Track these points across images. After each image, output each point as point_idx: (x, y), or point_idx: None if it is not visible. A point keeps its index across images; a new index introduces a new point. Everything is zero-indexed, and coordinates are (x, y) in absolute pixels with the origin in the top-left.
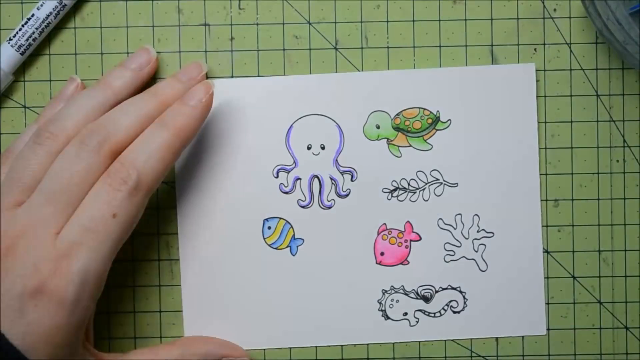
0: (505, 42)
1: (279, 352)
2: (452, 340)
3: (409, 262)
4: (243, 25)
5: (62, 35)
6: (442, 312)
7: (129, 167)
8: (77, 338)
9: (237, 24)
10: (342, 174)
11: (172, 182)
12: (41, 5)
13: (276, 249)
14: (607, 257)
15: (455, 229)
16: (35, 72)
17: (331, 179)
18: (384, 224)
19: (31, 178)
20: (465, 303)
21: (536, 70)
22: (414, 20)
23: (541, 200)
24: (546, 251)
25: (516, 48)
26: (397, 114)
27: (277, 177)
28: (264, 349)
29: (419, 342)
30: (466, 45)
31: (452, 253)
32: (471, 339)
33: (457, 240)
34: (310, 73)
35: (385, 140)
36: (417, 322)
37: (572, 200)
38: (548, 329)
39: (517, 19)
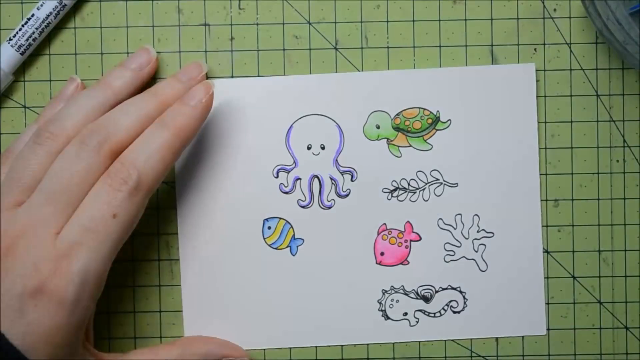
0: (505, 42)
1: (278, 352)
2: (452, 340)
3: (409, 262)
4: (243, 25)
5: (62, 35)
6: (442, 312)
7: (129, 167)
8: (77, 338)
9: (237, 24)
10: (342, 174)
11: (172, 182)
12: (41, 5)
13: (276, 249)
14: (607, 257)
15: (455, 229)
16: (35, 72)
17: (331, 179)
18: (384, 224)
19: (31, 178)
20: (465, 303)
21: (536, 70)
22: (414, 20)
23: (541, 200)
24: (546, 251)
25: (516, 48)
26: (397, 114)
27: (277, 177)
28: (264, 349)
29: (419, 342)
30: (466, 45)
31: (452, 253)
32: (471, 339)
33: (457, 240)
34: (310, 73)
35: (385, 140)
36: (417, 322)
37: (572, 200)
38: (548, 329)
39: (517, 19)
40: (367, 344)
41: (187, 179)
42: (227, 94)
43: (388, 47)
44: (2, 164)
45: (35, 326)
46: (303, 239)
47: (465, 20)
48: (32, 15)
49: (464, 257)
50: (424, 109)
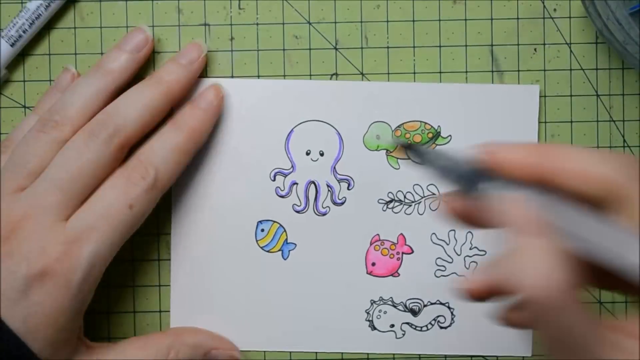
0: (505, 42)
1: (258, 354)
2: (438, 355)
3: (399, 274)
4: (243, 25)
5: (62, 35)
6: (429, 326)
7: (147, 164)
8: (78, 322)
9: (237, 24)
10: (339, 182)
11: None
12: None
13: (268, 251)
14: None
15: (448, 244)
16: (35, 72)
17: (328, 185)
18: (377, 234)
19: (35, 164)
20: (452, 319)
21: (536, 71)
22: (414, 20)
23: None
24: None
25: (516, 48)
26: (398, 126)
27: (274, 180)
28: (247, 350)
29: (404, 355)
30: (466, 45)
31: (443, 268)
32: (457, 355)
33: (449, 256)
34: (311, 73)
35: (385, 151)
36: (404, 334)
37: None
38: (533, 354)
39: (517, 19)
40: (352, 353)
41: (185, 178)
42: (227, 95)
43: (388, 47)
44: (2, 153)
45: (39, 308)
46: (295, 244)
47: (465, 20)
48: (24, 7)
49: (454, 273)
50: (426, 123)
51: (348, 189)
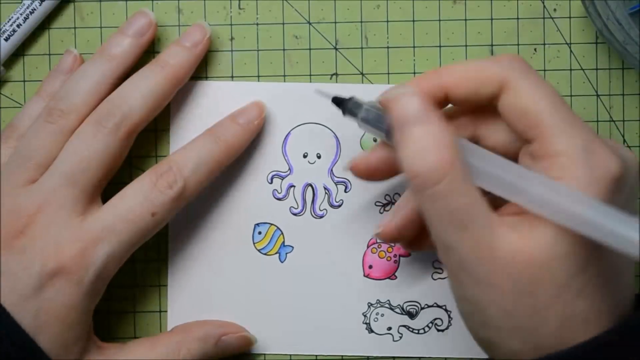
0: (505, 42)
1: (255, 357)
2: (435, 357)
3: (396, 277)
4: (243, 25)
5: (62, 35)
6: (427, 329)
7: (176, 172)
8: (88, 320)
9: (237, 24)
10: (336, 185)
11: None
12: None
13: (265, 254)
14: None
15: None
16: (35, 72)
17: (325, 188)
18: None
19: (44, 156)
20: (450, 322)
21: (536, 71)
22: (414, 20)
23: None
24: None
25: (516, 48)
26: None
27: (272, 182)
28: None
29: (402, 357)
30: (466, 45)
31: (440, 271)
32: (454, 357)
33: None
34: (310, 73)
35: None
36: (401, 337)
37: None
38: None
39: (517, 19)
40: (350, 356)
41: None
42: (226, 97)
43: (388, 47)
44: (4, 140)
45: (50, 304)
46: (292, 247)
47: (465, 20)
48: (21, 3)
49: None
50: None
51: (345, 191)
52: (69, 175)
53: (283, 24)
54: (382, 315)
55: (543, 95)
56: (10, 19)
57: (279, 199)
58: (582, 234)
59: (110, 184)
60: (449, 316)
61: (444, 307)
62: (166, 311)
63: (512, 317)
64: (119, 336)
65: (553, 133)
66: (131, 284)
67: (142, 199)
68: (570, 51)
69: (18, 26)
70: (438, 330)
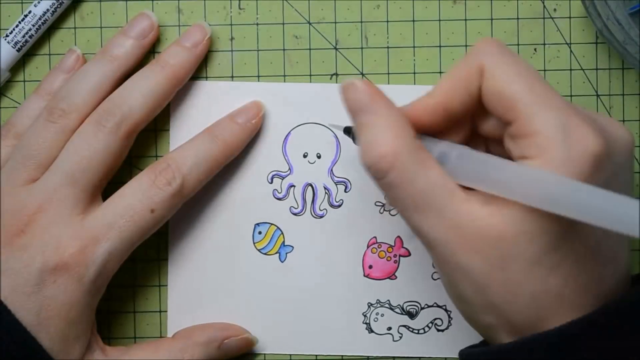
0: (505, 42)
1: (255, 357)
2: (435, 357)
3: (396, 277)
4: (243, 25)
5: (62, 35)
6: (427, 329)
7: (175, 170)
8: (89, 318)
9: (237, 24)
10: (336, 184)
11: None
12: (38, 2)
13: (265, 254)
14: None
15: None
16: (35, 72)
17: (325, 188)
18: (374, 237)
19: (45, 155)
20: (450, 322)
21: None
22: (414, 20)
23: None
24: None
25: (516, 48)
26: None
27: (272, 182)
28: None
29: (401, 357)
30: (466, 45)
31: None
32: (454, 357)
33: None
34: (310, 73)
35: None
36: (401, 337)
37: None
38: None
39: (517, 19)
40: (350, 356)
41: None
42: (226, 97)
43: (388, 47)
44: (3, 137)
45: (52, 301)
46: (293, 246)
47: (465, 20)
48: (29, 12)
49: None
50: None
51: (345, 191)
52: (70, 175)
53: (283, 24)
54: (382, 315)
55: (518, 75)
56: (22, 30)
57: (279, 199)
58: (550, 212)
59: (110, 183)
60: (449, 316)
61: (444, 307)
62: (166, 311)
63: (484, 293)
64: (119, 336)
65: (529, 113)
66: (131, 284)
67: (141, 196)
68: (570, 51)
69: (30, 37)
70: (438, 330)
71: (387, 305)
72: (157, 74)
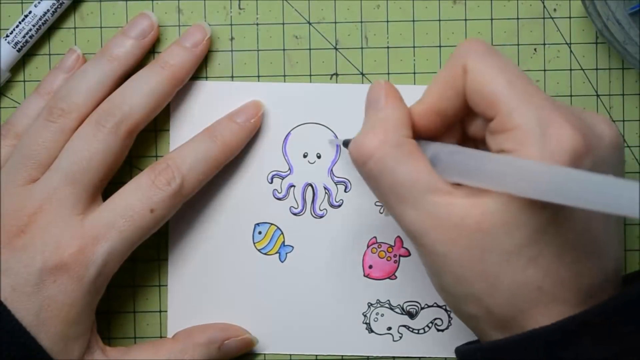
0: (505, 42)
1: (255, 357)
2: (435, 357)
3: (396, 277)
4: (243, 25)
5: (62, 35)
6: (427, 329)
7: (174, 170)
8: (89, 318)
9: (237, 24)
10: (336, 184)
11: None
12: (38, 3)
13: (265, 254)
14: None
15: None
16: (35, 72)
17: (325, 188)
18: (374, 237)
19: (45, 155)
20: (450, 322)
21: (536, 71)
22: (414, 20)
23: None
24: None
25: (516, 48)
26: None
27: (272, 182)
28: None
29: (401, 357)
30: None
31: None
32: (454, 357)
33: None
34: (311, 73)
35: None
36: (401, 337)
37: None
38: None
39: (517, 19)
40: (350, 356)
41: None
42: (227, 97)
43: (388, 47)
44: (3, 137)
45: (51, 301)
46: (293, 246)
47: (465, 20)
48: (30, 12)
49: None
50: None
51: (345, 191)
52: (70, 175)
53: (283, 24)
54: (382, 315)
55: (499, 72)
56: (22, 30)
57: (279, 199)
58: (543, 200)
59: (110, 183)
60: (449, 316)
61: (444, 307)
62: (166, 311)
63: (464, 284)
64: (119, 336)
65: (508, 109)
66: (131, 284)
67: (140, 196)
68: (570, 51)
69: (31, 37)
70: (438, 330)
71: (387, 305)
72: (157, 74)
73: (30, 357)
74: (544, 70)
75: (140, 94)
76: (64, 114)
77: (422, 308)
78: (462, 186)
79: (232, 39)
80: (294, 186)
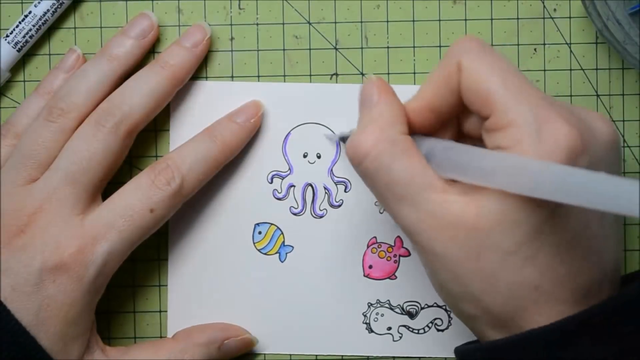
0: (505, 42)
1: (255, 357)
2: (435, 358)
3: (396, 277)
4: (243, 25)
5: (62, 35)
6: (427, 329)
7: (174, 169)
8: (89, 317)
9: (237, 24)
10: (336, 184)
11: None
12: (38, 3)
13: (265, 254)
14: None
15: None
16: (35, 72)
17: (325, 188)
18: (374, 237)
19: (45, 155)
20: (450, 322)
21: (536, 71)
22: (414, 20)
23: None
24: None
25: (516, 48)
26: None
27: (272, 182)
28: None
29: (401, 357)
30: None
31: None
32: (454, 357)
33: None
34: (311, 73)
35: None
36: (401, 337)
37: None
38: None
39: (517, 19)
40: (350, 356)
41: None
42: (227, 97)
43: (388, 47)
44: (3, 137)
45: (51, 301)
46: (293, 246)
47: (465, 20)
48: (30, 12)
49: None
50: None
51: (345, 191)
52: (70, 175)
53: (283, 24)
54: (382, 315)
55: (493, 70)
56: (22, 30)
57: (279, 199)
58: (529, 195)
59: (110, 183)
60: (449, 316)
61: (444, 307)
62: (166, 311)
63: (462, 282)
64: (119, 336)
65: (503, 106)
66: (131, 284)
67: (140, 196)
68: (570, 51)
69: (31, 37)
70: (438, 330)
71: (387, 305)
72: (157, 74)
73: (30, 356)
74: (544, 70)
75: (140, 94)
76: (64, 114)
77: (422, 308)
78: (457, 183)
79: (232, 39)
80: (294, 186)
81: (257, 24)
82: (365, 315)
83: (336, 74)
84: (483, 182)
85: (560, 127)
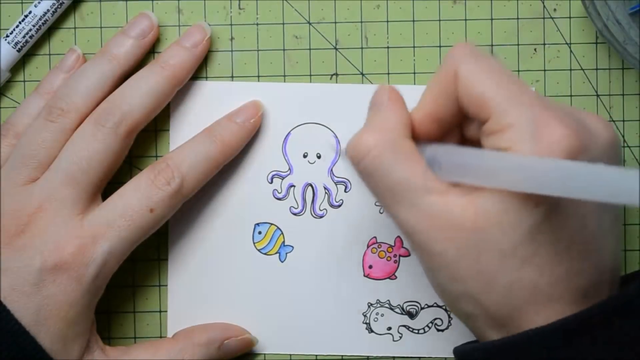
0: (505, 42)
1: (255, 357)
2: (435, 358)
3: (396, 277)
4: (243, 25)
5: (62, 35)
6: (427, 329)
7: (174, 169)
8: (89, 317)
9: (237, 24)
10: (336, 184)
11: None
12: (38, 3)
13: (265, 254)
14: None
15: None
16: (35, 71)
17: (325, 188)
18: (375, 237)
19: (45, 155)
20: (450, 322)
21: (536, 71)
22: (414, 20)
23: None
24: None
25: (516, 48)
26: None
27: (272, 182)
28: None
29: (401, 357)
30: None
31: None
32: (454, 358)
33: None
34: (311, 73)
35: None
36: (401, 337)
37: None
38: None
39: (517, 19)
40: (350, 356)
41: None
42: (227, 97)
43: (388, 47)
44: (2, 137)
45: (51, 300)
46: (293, 246)
47: (465, 20)
48: (30, 12)
49: None
50: None
51: (345, 191)
52: (70, 175)
53: (283, 24)
54: (382, 315)
55: (487, 75)
56: (22, 30)
57: (279, 199)
58: (530, 191)
59: (110, 183)
60: (449, 316)
61: (444, 307)
62: (166, 311)
63: (460, 282)
64: (119, 336)
65: (500, 110)
66: (131, 284)
67: (140, 196)
68: (570, 51)
69: (31, 37)
70: (438, 330)
71: (387, 305)
72: (157, 74)
73: (30, 356)
74: (544, 70)
75: (140, 94)
76: (64, 114)
77: (422, 308)
78: (459, 186)
79: (232, 39)
80: (294, 186)
81: (257, 24)
82: (365, 315)
83: (336, 74)
84: (486, 182)
85: (557, 129)
